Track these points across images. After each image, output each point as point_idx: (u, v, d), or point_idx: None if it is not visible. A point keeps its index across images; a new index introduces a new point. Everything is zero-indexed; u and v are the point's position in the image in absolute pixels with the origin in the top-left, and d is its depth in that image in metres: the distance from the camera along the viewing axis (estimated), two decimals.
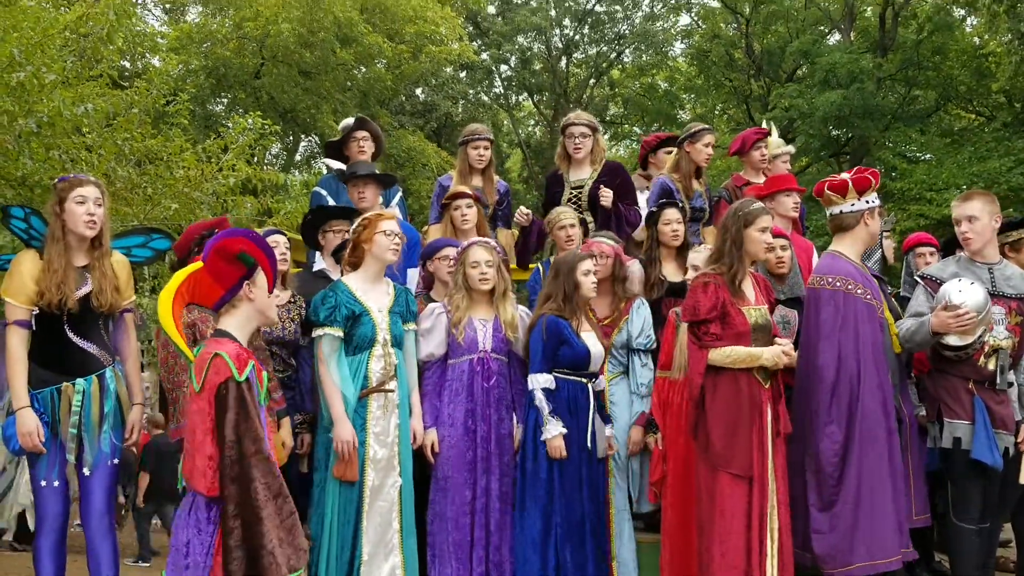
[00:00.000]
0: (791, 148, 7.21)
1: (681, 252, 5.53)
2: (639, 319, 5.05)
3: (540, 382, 4.62)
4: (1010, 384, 4.57)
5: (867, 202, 4.54)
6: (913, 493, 4.77)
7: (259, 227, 8.47)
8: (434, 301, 5.07)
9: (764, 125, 7.40)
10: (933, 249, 5.96)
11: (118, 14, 7.81)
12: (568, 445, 4.57)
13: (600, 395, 4.85)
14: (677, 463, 4.75)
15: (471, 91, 26.20)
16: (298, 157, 23.72)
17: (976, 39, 21.43)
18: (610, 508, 4.86)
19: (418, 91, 23.63)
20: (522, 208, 6.19)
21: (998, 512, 4.72)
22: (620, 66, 28.86)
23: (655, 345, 5.13)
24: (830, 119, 20.11)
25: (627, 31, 27.51)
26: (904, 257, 6.18)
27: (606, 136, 26.00)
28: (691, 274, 4.97)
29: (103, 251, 4.25)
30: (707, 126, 6.49)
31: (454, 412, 4.71)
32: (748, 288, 4.42)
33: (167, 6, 20.61)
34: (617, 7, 27.40)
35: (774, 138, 6.79)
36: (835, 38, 23.80)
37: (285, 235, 5.23)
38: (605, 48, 28.07)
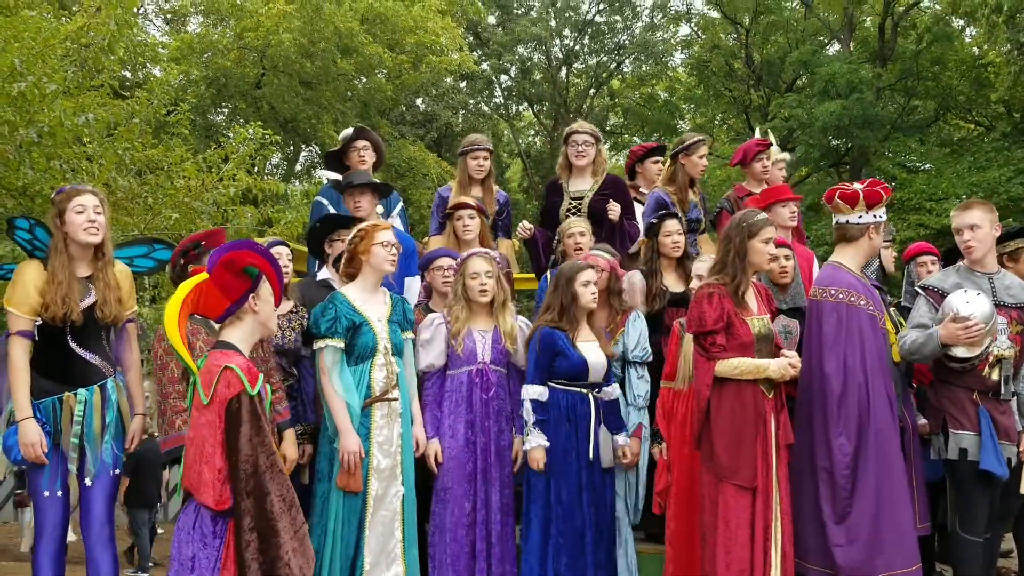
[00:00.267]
0: (786, 155, 7.20)
1: (681, 263, 5.54)
2: (635, 331, 5.06)
3: (530, 393, 4.64)
4: (1014, 394, 4.57)
5: (874, 216, 4.54)
6: (917, 501, 4.74)
7: (259, 237, 8.49)
8: (433, 312, 5.07)
9: (758, 133, 7.41)
10: (935, 259, 5.96)
11: (119, 24, 7.84)
12: (566, 455, 4.58)
13: (612, 404, 4.82)
14: (681, 473, 4.75)
15: (471, 101, 26.27)
16: (299, 167, 23.76)
17: (975, 49, 21.50)
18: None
19: (418, 101, 23.70)
20: (524, 223, 6.18)
21: (999, 522, 4.71)
22: (620, 76, 28.95)
23: (651, 357, 5.14)
24: (830, 129, 20.15)
25: (627, 41, 27.61)
26: (905, 267, 6.17)
27: (606, 146, 26.01)
28: (695, 283, 4.97)
29: (106, 261, 4.25)
30: (702, 137, 6.51)
31: (454, 423, 4.70)
32: (751, 298, 4.42)
33: (168, 16, 20.67)
34: (617, 17, 27.51)
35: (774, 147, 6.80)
36: (834, 48, 23.88)
37: (288, 246, 5.23)
38: (605, 58, 28.17)
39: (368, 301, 4.54)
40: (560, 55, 28.01)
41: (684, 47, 27.42)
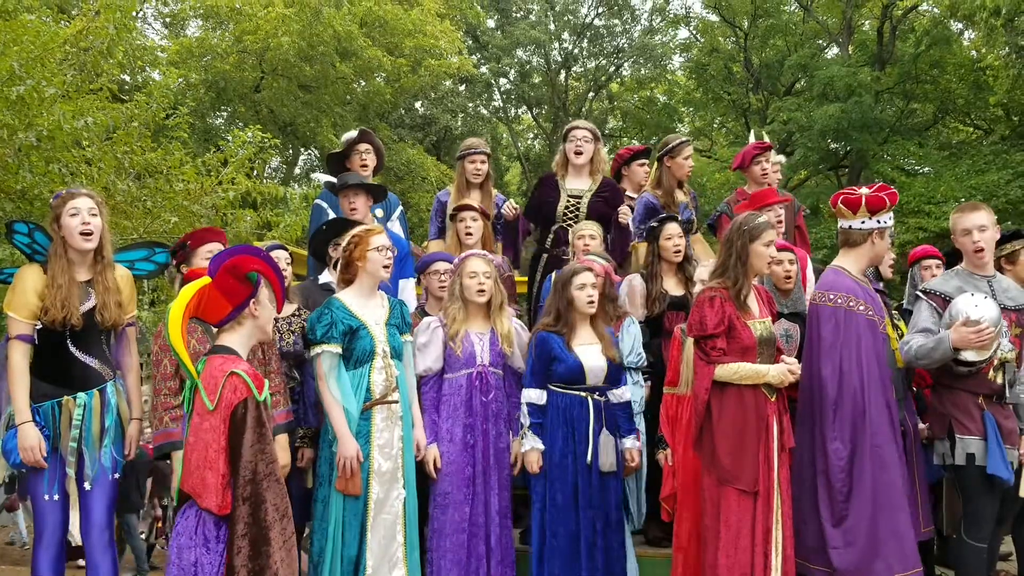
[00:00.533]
0: (781, 157, 7.20)
1: (682, 267, 5.54)
2: (629, 337, 5.06)
3: (527, 397, 4.70)
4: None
5: (878, 222, 4.55)
6: (920, 505, 4.72)
7: (258, 241, 8.49)
8: (428, 315, 5.07)
9: (752, 137, 7.42)
10: (939, 262, 5.95)
11: (118, 28, 7.84)
12: (562, 459, 4.60)
13: (621, 407, 4.80)
14: (687, 477, 4.73)
15: (470, 104, 26.30)
16: (297, 170, 23.76)
17: (974, 53, 21.50)
18: None
19: (417, 104, 23.70)
20: (511, 203, 6.17)
21: (998, 526, 4.70)
22: (619, 79, 28.97)
23: (645, 363, 5.14)
24: (828, 132, 20.15)
25: (626, 45, 27.64)
26: (910, 270, 6.16)
27: (605, 148, 26.02)
28: (698, 288, 4.96)
29: (105, 264, 4.24)
30: (685, 138, 6.54)
31: (452, 428, 4.70)
32: (752, 301, 4.42)
33: (167, 20, 20.67)
34: (616, 21, 27.53)
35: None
36: (833, 52, 23.88)
37: (287, 249, 5.23)
38: (604, 62, 28.19)
39: (365, 305, 4.53)
40: (559, 58, 28.02)
41: (683, 50, 27.43)
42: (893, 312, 5.39)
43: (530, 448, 4.63)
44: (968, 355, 4.38)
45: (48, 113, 6.68)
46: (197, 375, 3.21)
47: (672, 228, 5.50)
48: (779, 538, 4.22)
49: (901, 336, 4.95)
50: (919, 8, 21.72)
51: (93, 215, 4.16)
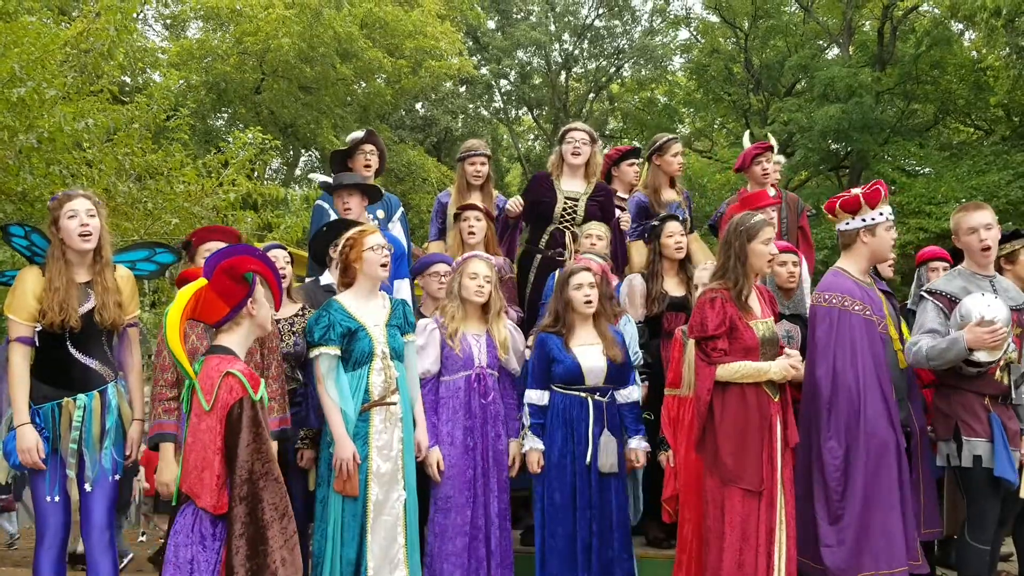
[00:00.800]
0: (781, 157, 7.20)
1: (683, 267, 5.55)
2: (625, 336, 5.07)
3: (529, 397, 4.75)
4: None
5: (863, 220, 4.62)
6: (923, 506, 4.70)
7: (259, 242, 8.49)
8: (423, 317, 5.06)
9: (746, 139, 7.44)
10: (947, 264, 5.94)
11: (119, 30, 7.84)
12: (561, 459, 4.62)
13: (628, 407, 4.80)
14: (689, 478, 4.73)
15: (471, 106, 26.29)
16: (298, 172, 23.74)
17: (974, 53, 21.49)
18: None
19: (418, 106, 23.70)
20: (518, 199, 6.15)
21: (999, 527, 4.70)
22: (619, 80, 28.97)
23: (642, 361, 5.14)
24: (829, 133, 20.15)
25: (626, 46, 27.64)
26: (916, 270, 6.15)
27: (605, 150, 26.03)
28: (700, 291, 4.96)
29: (103, 264, 4.24)
30: (673, 136, 6.56)
31: (452, 431, 4.70)
32: (754, 301, 4.42)
33: (168, 22, 20.67)
34: (616, 22, 27.53)
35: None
36: (834, 52, 23.88)
37: (285, 249, 5.23)
38: (604, 63, 28.19)
39: (364, 306, 4.52)
40: (559, 59, 28.02)
41: (683, 51, 27.43)
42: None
43: (530, 448, 4.66)
44: (980, 356, 4.35)
45: (49, 115, 6.68)
46: (194, 375, 3.21)
47: (673, 226, 5.52)
48: (782, 538, 4.23)
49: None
50: (919, 9, 21.71)
51: (91, 216, 4.15)
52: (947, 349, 4.38)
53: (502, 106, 28.84)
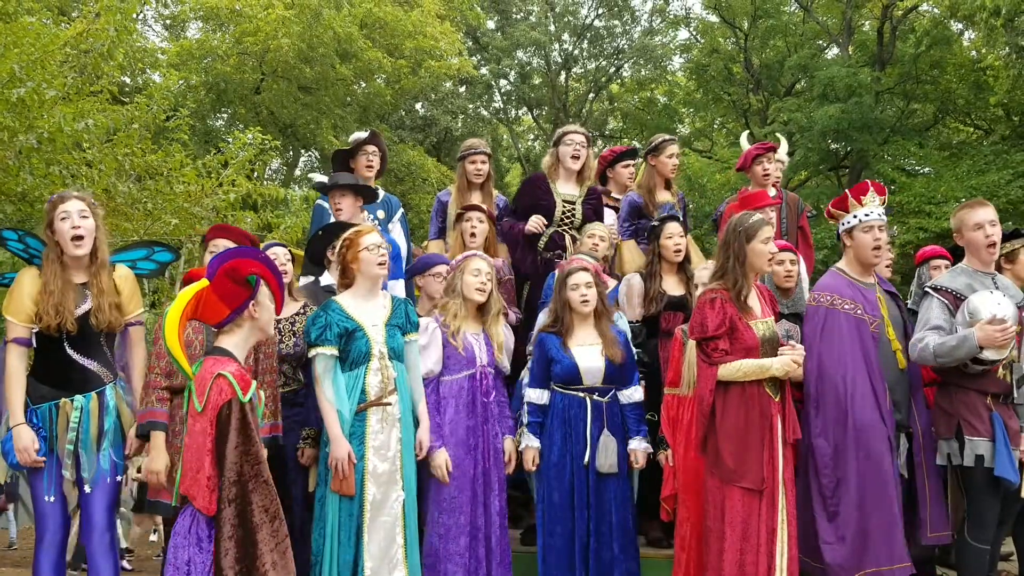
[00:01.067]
0: (785, 156, 7.22)
1: (682, 267, 5.55)
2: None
3: (529, 396, 4.78)
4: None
5: (844, 223, 4.71)
6: (929, 510, 4.65)
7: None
8: (420, 317, 5.06)
9: (743, 140, 7.45)
10: (948, 262, 5.94)
11: (118, 30, 7.85)
12: (560, 459, 4.64)
13: (630, 407, 4.81)
14: (688, 477, 4.73)
15: (470, 106, 26.28)
16: (298, 172, 23.74)
17: (974, 53, 21.49)
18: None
19: (418, 106, 23.72)
20: (540, 218, 5.97)
21: (1000, 526, 4.69)
22: (619, 80, 28.97)
23: (635, 359, 5.15)
24: (829, 133, 20.16)
25: (626, 46, 27.64)
26: (917, 269, 6.15)
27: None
28: (700, 291, 4.96)
29: (99, 265, 4.22)
30: (671, 137, 6.56)
31: (456, 430, 4.69)
32: (754, 301, 4.42)
33: (167, 22, 20.68)
34: (616, 22, 27.53)
35: (781, 148, 6.94)
36: (833, 52, 23.88)
37: (285, 247, 5.23)
38: (604, 63, 28.19)
39: (363, 306, 4.51)
40: (559, 59, 28.01)
41: (683, 51, 27.43)
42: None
43: (526, 447, 4.70)
44: (988, 354, 4.34)
45: (48, 115, 6.69)
46: (192, 376, 3.22)
47: (673, 227, 5.51)
48: (784, 538, 4.23)
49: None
50: (919, 8, 21.72)
51: (84, 218, 4.13)
52: (957, 347, 4.36)
53: (502, 106, 28.84)
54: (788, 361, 4.28)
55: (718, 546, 4.22)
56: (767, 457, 4.23)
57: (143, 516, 10.92)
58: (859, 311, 4.53)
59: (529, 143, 30.71)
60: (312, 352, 4.39)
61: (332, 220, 5.55)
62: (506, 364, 4.95)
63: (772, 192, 6.23)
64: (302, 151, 22.62)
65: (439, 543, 4.58)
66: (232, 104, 19.17)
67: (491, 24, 26.89)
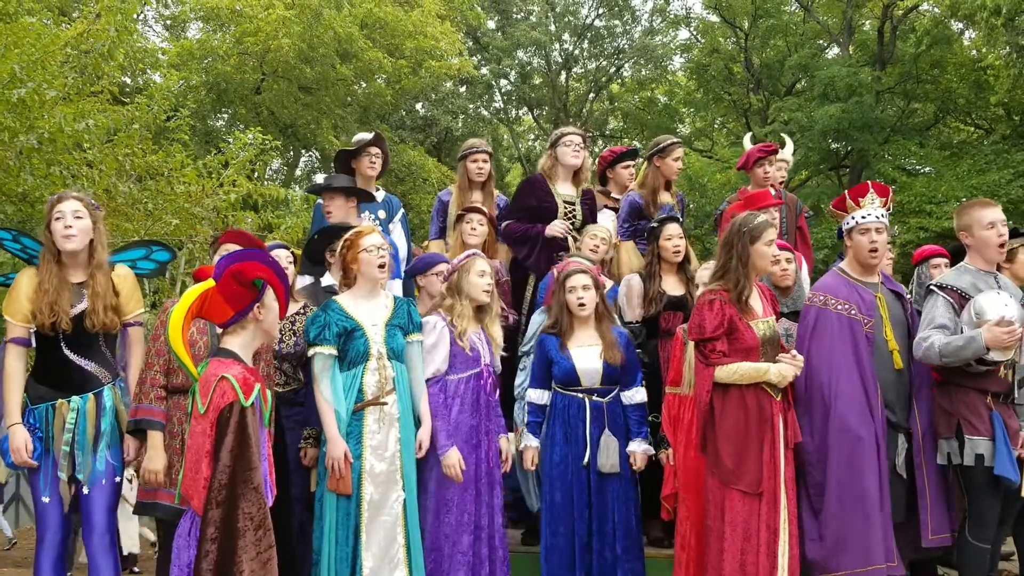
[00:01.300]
0: (787, 156, 7.22)
1: (682, 267, 5.55)
2: None
3: (529, 396, 4.83)
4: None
5: (844, 224, 4.69)
6: (929, 511, 4.61)
7: None
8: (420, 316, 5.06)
9: (746, 140, 7.45)
10: (947, 261, 5.93)
11: (119, 31, 7.86)
12: (561, 459, 4.66)
13: (632, 408, 4.80)
14: (689, 476, 4.72)
15: (471, 106, 26.28)
16: (299, 172, 23.78)
17: (974, 52, 21.50)
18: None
19: (418, 106, 23.73)
20: (562, 223, 5.92)
21: (1000, 525, 4.69)
22: (619, 80, 28.98)
23: (638, 360, 5.15)
24: (829, 132, 20.17)
25: (626, 46, 27.64)
26: (916, 269, 6.15)
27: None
28: (701, 291, 4.95)
29: (95, 266, 4.21)
30: (677, 139, 6.54)
31: (460, 429, 4.67)
32: (755, 301, 4.41)
33: (168, 23, 20.70)
34: (616, 22, 27.54)
35: (786, 148, 7.03)
36: (834, 52, 23.89)
37: (288, 248, 5.23)
38: (604, 63, 28.19)
39: (363, 306, 4.51)
40: (559, 59, 28.02)
41: (683, 51, 27.44)
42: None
43: (524, 446, 4.75)
44: (994, 355, 4.32)
45: (49, 115, 6.70)
46: (198, 376, 3.22)
47: (672, 228, 5.50)
48: (786, 538, 4.23)
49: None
50: (919, 8, 21.72)
51: (77, 218, 4.12)
52: (963, 347, 4.33)
53: (502, 106, 28.85)
54: (785, 369, 4.28)
55: (718, 546, 4.22)
56: (768, 457, 4.22)
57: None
58: (853, 311, 4.52)
59: (529, 143, 30.71)
60: (311, 351, 4.40)
61: (325, 225, 5.56)
62: (498, 363, 4.96)
63: (772, 193, 6.23)
64: (303, 151, 22.65)
65: (442, 542, 4.58)
66: (232, 104, 19.18)
67: (491, 24, 26.90)
